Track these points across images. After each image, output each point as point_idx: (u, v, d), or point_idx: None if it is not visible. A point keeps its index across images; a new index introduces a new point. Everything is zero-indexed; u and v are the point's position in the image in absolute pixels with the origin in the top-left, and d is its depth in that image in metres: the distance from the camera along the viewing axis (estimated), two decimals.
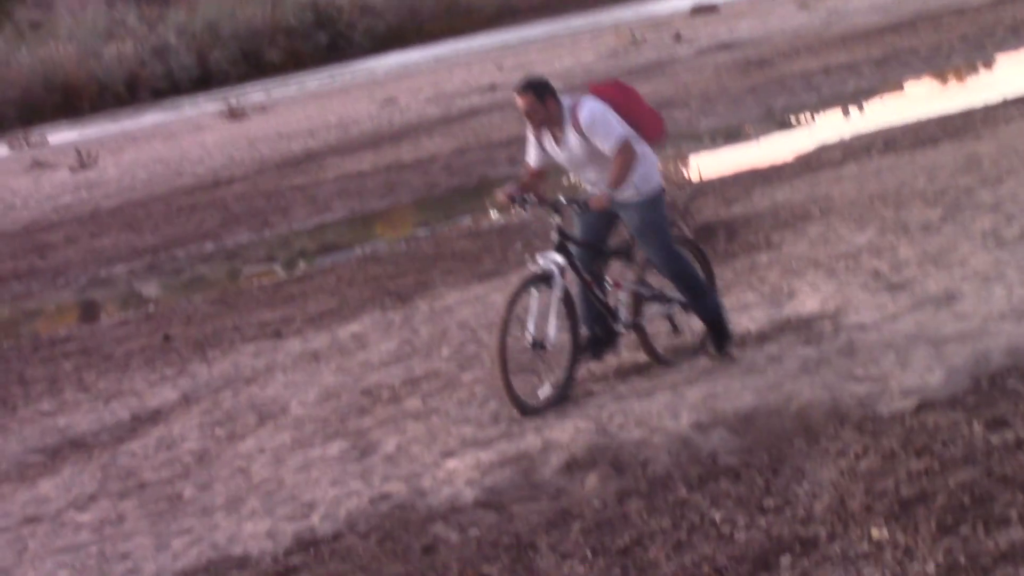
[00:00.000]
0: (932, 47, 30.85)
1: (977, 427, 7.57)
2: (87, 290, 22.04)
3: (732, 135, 26.11)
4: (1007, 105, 20.14)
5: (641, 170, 9.60)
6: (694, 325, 10.28)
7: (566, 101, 9.61)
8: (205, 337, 15.06)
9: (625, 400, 9.34)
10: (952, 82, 27.41)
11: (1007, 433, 7.41)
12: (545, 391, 9.60)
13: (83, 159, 39.76)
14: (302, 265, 20.76)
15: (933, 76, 28.08)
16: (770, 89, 29.72)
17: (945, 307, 10.09)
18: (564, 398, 9.58)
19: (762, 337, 10.33)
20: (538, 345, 9.54)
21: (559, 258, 9.60)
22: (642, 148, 9.67)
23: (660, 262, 9.80)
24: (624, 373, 10.10)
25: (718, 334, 9.91)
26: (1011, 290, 10.07)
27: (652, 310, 10.14)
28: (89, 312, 20.29)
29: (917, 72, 28.55)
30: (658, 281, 10.10)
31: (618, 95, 9.75)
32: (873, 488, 7.02)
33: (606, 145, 9.43)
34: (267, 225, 24.51)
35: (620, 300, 10.02)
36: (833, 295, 11.13)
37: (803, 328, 10.32)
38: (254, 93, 65.47)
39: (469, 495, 8.18)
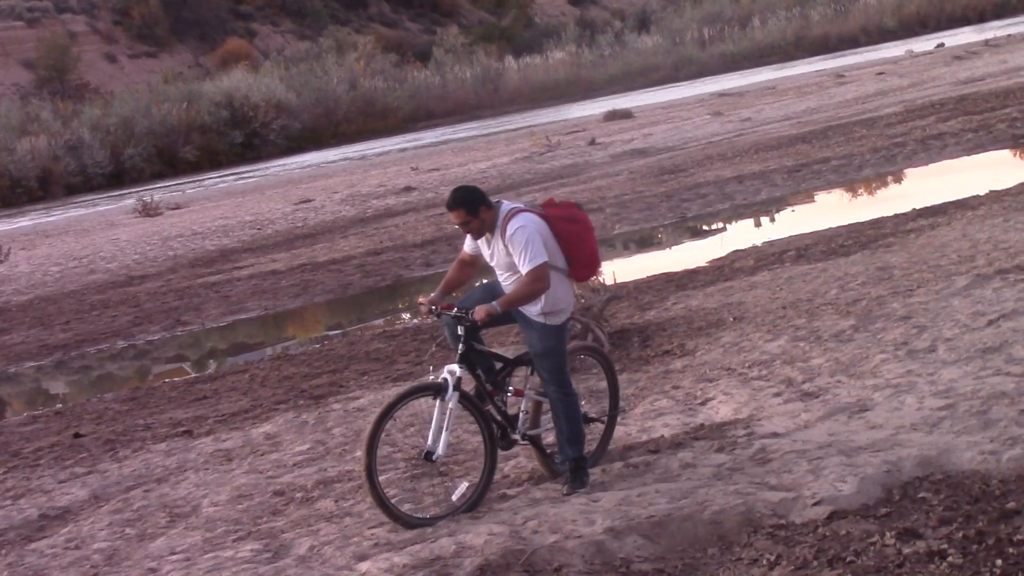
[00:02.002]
0: (844, 158, 31.26)
1: (889, 537, 7.64)
2: None
3: (646, 241, 26.33)
4: (917, 216, 20.45)
5: (558, 298, 9.56)
6: (594, 429, 10.31)
7: (505, 206, 9.52)
8: (116, 435, 14.92)
9: (540, 504, 9.34)
10: (863, 193, 27.79)
11: (918, 544, 7.48)
12: (455, 496, 9.59)
13: None
14: (214, 364, 20.64)
15: (845, 187, 28.45)
16: (684, 196, 29.96)
17: (857, 417, 10.20)
18: (473, 507, 9.53)
19: (676, 443, 10.38)
20: (428, 456, 9.47)
21: (457, 369, 9.51)
22: (563, 281, 9.64)
23: (551, 389, 9.74)
24: (539, 478, 10.10)
25: (575, 477, 9.72)
26: (922, 401, 10.20)
27: (551, 420, 10.01)
28: None
29: (829, 182, 28.91)
30: None
31: (567, 224, 9.60)
32: None
33: (521, 265, 9.34)
34: (180, 323, 24.34)
35: (520, 408, 10.02)
36: (746, 403, 11.23)
37: (717, 435, 10.40)
38: (168, 190, 65.26)
39: None
